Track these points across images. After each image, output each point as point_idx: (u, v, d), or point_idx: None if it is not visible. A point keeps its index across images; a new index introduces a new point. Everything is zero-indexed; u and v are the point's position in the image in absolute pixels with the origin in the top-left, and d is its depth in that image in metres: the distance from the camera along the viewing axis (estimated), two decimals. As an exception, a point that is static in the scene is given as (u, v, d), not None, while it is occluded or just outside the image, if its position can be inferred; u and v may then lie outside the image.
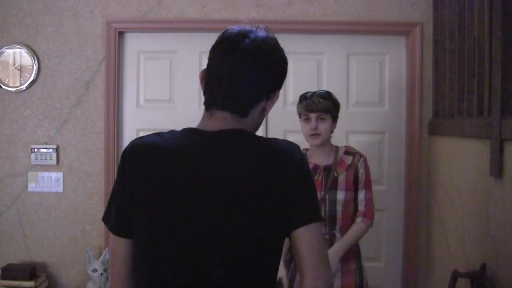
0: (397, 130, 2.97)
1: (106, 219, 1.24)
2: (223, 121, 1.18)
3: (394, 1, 2.87)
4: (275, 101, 1.24)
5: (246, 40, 1.17)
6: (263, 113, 1.24)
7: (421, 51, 2.86)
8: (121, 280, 1.21)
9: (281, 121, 2.94)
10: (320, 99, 2.19)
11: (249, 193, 1.11)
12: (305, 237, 1.12)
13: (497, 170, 1.87)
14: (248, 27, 1.20)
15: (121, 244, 1.20)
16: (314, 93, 2.23)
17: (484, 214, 2.04)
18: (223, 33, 1.21)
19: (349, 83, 2.97)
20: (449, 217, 2.50)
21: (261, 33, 1.19)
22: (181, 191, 1.12)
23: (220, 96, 1.18)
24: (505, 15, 1.85)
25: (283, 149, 1.16)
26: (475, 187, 2.16)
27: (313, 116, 2.19)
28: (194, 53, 2.95)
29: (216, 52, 1.20)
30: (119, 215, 1.19)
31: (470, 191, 2.22)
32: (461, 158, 2.35)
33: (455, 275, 2.09)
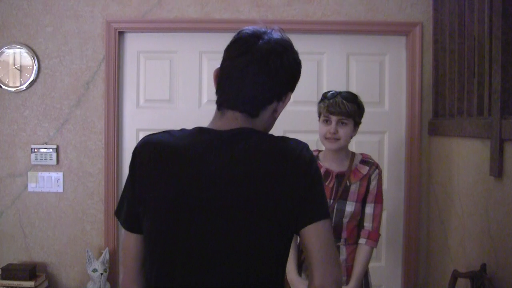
0: (397, 130, 2.97)
1: (118, 214, 1.26)
2: (233, 120, 1.19)
3: (394, 1, 2.87)
4: (287, 103, 1.24)
5: (260, 41, 1.18)
6: (274, 114, 1.24)
7: (421, 51, 2.86)
8: (132, 274, 1.23)
9: (281, 121, 2.93)
10: (344, 101, 2.02)
11: (257, 191, 1.11)
12: (314, 234, 1.13)
13: (497, 170, 1.87)
14: (263, 29, 1.21)
15: (132, 240, 1.22)
16: (338, 93, 2.06)
17: (484, 214, 2.04)
18: (238, 33, 1.22)
19: (349, 83, 2.97)
20: (449, 217, 2.50)
21: (275, 35, 1.20)
22: (187, 190, 1.13)
23: (231, 96, 1.19)
24: (505, 15, 1.85)
25: (292, 148, 1.16)
26: (475, 187, 2.16)
27: (334, 118, 2.03)
28: (194, 53, 2.95)
29: (230, 52, 1.21)
30: (130, 211, 1.21)
31: (470, 191, 2.22)
32: (461, 158, 2.35)
33: (455, 275, 2.09)
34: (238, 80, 1.18)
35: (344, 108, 2.01)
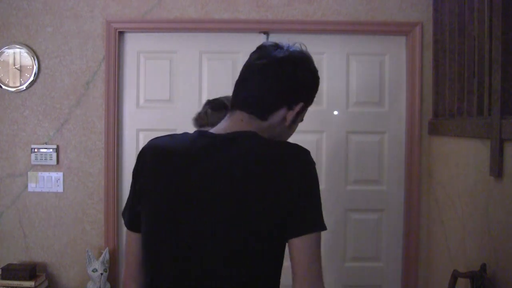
0: (397, 130, 2.97)
1: (123, 213, 1.31)
2: (238, 121, 1.22)
3: (394, 1, 2.87)
4: (296, 113, 1.25)
5: (278, 50, 1.24)
6: (284, 122, 1.25)
7: (421, 51, 2.86)
8: (132, 272, 1.28)
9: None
10: (209, 112, 1.79)
11: (250, 194, 1.11)
12: (298, 248, 1.11)
13: (497, 170, 1.87)
14: (285, 42, 1.28)
15: (133, 239, 1.27)
16: (210, 102, 1.83)
17: (484, 214, 2.04)
18: (262, 44, 1.30)
19: (349, 83, 2.97)
20: (449, 217, 2.50)
21: (296, 48, 1.26)
22: (182, 191, 1.15)
23: (242, 97, 1.23)
24: (505, 15, 1.85)
25: (290, 153, 1.16)
26: (475, 187, 2.16)
27: None
28: (194, 53, 2.95)
29: (249, 59, 1.27)
30: (131, 210, 1.26)
31: (470, 191, 2.22)
32: (461, 158, 2.35)
33: (455, 275, 2.09)
34: (251, 82, 1.22)
35: (205, 120, 1.79)
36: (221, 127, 1.23)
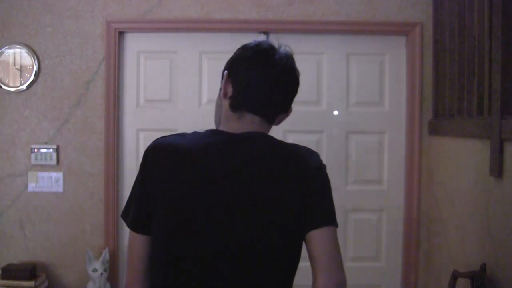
0: (397, 130, 2.97)
1: (124, 215, 1.27)
2: (250, 123, 1.24)
3: (394, 1, 2.87)
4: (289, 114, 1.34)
5: (283, 57, 1.26)
6: (277, 123, 1.33)
7: (421, 51, 2.86)
8: (137, 276, 1.24)
9: (281, 121, 2.94)
10: None
11: (266, 194, 1.13)
12: (319, 239, 1.13)
13: (497, 170, 1.87)
14: (272, 43, 1.29)
15: (138, 241, 1.23)
16: None
17: (484, 214, 2.04)
18: (256, 45, 1.28)
19: (349, 83, 2.97)
20: (449, 217, 2.50)
21: (287, 50, 1.29)
22: (197, 191, 1.14)
23: (257, 102, 1.24)
24: (505, 15, 1.85)
25: (302, 154, 1.21)
26: (475, 187, 2.16)
27: None
28: (194, 53, 2.95)
29: (255, 61, 1.25)
30: (138, 212, 1.22)
31: (470, 191, 2.22)
32: (461, 158, 2.35)
33: (455, 275, 2.09)
34: (267, 88, 1.23)
35: None
36: (231, 127, 1.23)
